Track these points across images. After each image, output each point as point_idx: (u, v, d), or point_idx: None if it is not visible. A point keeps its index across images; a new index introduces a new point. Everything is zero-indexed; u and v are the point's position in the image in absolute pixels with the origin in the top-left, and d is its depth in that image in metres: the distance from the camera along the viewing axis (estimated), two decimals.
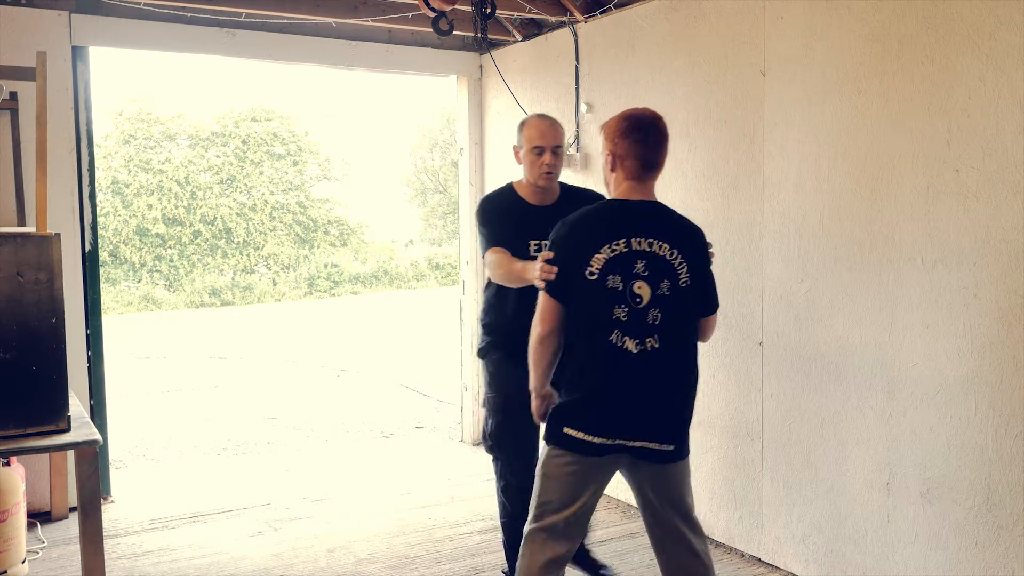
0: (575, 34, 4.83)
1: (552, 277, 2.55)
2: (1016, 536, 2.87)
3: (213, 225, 22.13)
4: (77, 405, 2.95)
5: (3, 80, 4.01)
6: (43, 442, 2.67)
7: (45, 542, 4.16)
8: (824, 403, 3.50)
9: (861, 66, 3.28)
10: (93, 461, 2.72)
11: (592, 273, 2.49)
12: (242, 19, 4.80)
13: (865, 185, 3.29)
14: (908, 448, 3.18)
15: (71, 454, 3.75)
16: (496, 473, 3.53)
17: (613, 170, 2.61)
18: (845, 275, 3.38)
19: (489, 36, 4.84)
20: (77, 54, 4.50)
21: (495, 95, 5.58)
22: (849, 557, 3.43)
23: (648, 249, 2.50)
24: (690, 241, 2.58)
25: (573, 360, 2.58)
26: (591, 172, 4.70)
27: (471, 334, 5.82)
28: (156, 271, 21.63)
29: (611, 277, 2.49)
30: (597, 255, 2.49)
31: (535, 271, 2.63)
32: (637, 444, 2.52)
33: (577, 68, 4.81)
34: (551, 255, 2.58)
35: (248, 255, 22.61)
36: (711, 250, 2.69)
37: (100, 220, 18.71)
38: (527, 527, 2.65)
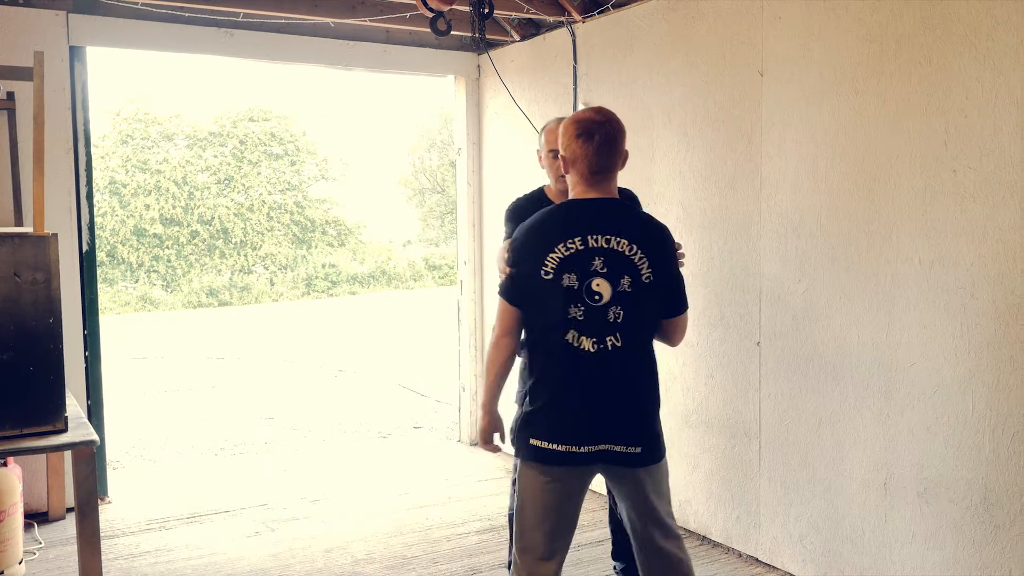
0: (573, 34, 4.83)
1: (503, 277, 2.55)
2: (1013, 535, 2.88)
3: (211, 225, 22.13)
4: (74, 405, 2.95)
5: (0, 80, 4.00)
6: (40, 442, 2.66)
7: (42, 543, 4.16)
8: (821, 403, 3.50)
9: (859, 66, 3.28)
10: (90, 461, 2.72)
11: (547, 273, 2.45)
12: (240, 19, 4.80)
13: (862, 185, 3.29)
14: (905, 448, 3.18)
15: (68, 454, 3.74)
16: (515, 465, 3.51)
17: (567, 172, 2.58)
18: (842, 275, 3.39)
19: (487, 36, 4.83)
20: (75, 54, 4.50)
21: (493, 95, 5.58)
22: (846, 557, 3.43)
23: (606, 246, 2.44)
24: (653, 237, 2.50)
25: (534, 365, 2.55)
26: None
27: (468, 334, 5.83)
28: (153, 271, 21.64)
29: (567, 276, 2.44)
30: (552, 254, 2.45)
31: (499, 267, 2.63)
32: (603, 448, 2.45)
33: (575, 68, 4.82)
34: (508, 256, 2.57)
35: (246, 255, 22.63)
36: (680, 251, 2.65)
37: (97, 220, 18.77)
38: (514, 548, 2.62)
